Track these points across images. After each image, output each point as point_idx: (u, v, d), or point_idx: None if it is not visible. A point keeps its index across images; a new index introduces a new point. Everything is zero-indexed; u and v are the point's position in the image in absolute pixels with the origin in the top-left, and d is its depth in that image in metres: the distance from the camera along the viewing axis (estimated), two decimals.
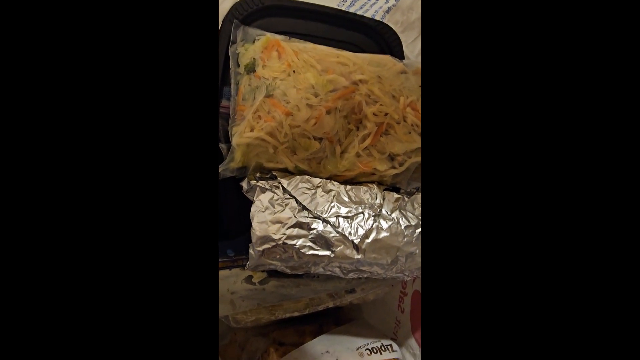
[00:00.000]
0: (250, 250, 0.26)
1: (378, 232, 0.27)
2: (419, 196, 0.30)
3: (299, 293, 0.34)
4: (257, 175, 0.29)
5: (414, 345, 0.37)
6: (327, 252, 0.26)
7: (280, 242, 0.25)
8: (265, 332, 0.37)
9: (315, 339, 0.34)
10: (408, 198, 0.29)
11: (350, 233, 0.26)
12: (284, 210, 0.27)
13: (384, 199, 0.28)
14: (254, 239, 0.26)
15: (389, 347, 0.35)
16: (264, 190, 0.28)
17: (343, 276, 0.29)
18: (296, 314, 0.33)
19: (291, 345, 0.34)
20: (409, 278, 0.30)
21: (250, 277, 0.32)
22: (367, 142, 0.30)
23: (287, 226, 0.26)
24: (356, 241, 0.26)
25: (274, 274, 0.33)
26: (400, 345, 0.39)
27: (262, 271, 0.32)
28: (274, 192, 0.28)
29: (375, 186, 0.30)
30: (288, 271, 0.29)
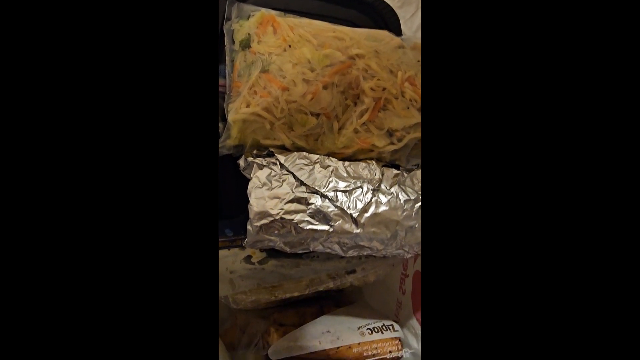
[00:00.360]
0: (248, 226, 0.25)
1: (377, 206, 0.26)
2: (418, 172, 0.30)
3: (299, 273, 0.34)
4: (254, 152, 0.29)
5: (416, 325, 0.37)
6: (326, 227, 0.26)
7: (278, 217, 0.25)
8: (265, 314, 0.37)
9: (316, 319, 0.34)
10: (407, 174, 0.29)
11: (348, 207, 0.26)
12: (281, 186, 0.26)
13: (382, 175, 0.28)
14: (251, 215, 0.25)
15: (390, 327, 0.35)
16: (261, 167, 0.27)
17: (342, 254, 0.29)
18: (296, 294, 0.33)
19: (292, 326, 0.34)
20: (410, 255, 0.30)
21: (250, 256, 0.32)
22: (365, 117, 0.29)
23: (284, 201, 0.25)
24: (355, 215, 0.25)
25: (273, 254, 0.33)
26: (402, 326, 0.38)
27: (261, 250, 0.32)
28: (271, 169, 0.27)
29: (374, 162, 0.29)
30: (287, 249, 0.28)
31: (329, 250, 0.29)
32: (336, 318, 0.35)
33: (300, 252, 0.29)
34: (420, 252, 0.30)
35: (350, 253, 0.29)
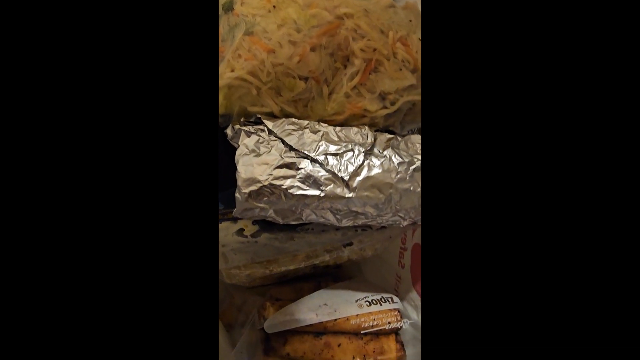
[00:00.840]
0: (237, 194, 0.25)
1: (369, 169, 0.25)
2: (413, 136, 0.29)
3: (294, 246, 0.33)
4: (242, 120, 0.28)
5: (415, 297, 0.36)
6: (317, 192, 0.25)
7: (267, 183, 0.24)
8: (262, 291, 0.37)
9: (312, 293, 0.33)
10: (401, 138, 0.28)
11: (339, 170, 0.25)
12: (270, 152, 0.25)
13: (375, 139, 0.27)
14: (239, 182, 0.25)
15: (389, 299, 0.34)
16: (248, 134, 0.26)
17: (337, 223, 0.28)
18: (292, 267, 0.32)
19: (288, 301, 0.33)
20: (407, 222, 0.29)
21: (242, 229, 0.31)
22: (356, 80, 0.28)
23: (273, 167, 0.24)
24: (346, 178, 0.24)
25: (266, 226, 0.32)
26: (401, 299, 0.38)
27: (253, 223, 0.32)
28: (260, 135, 0.26)
29: (366, 127, 0.28)
30: (279, 220, 0.27)
31: (322, 220, 0.28)
32: (333, 292, 0.34)
33: (293, 223, 0.29)
34: (417, 219, 0.29)
35: (345, 222, 0.28)
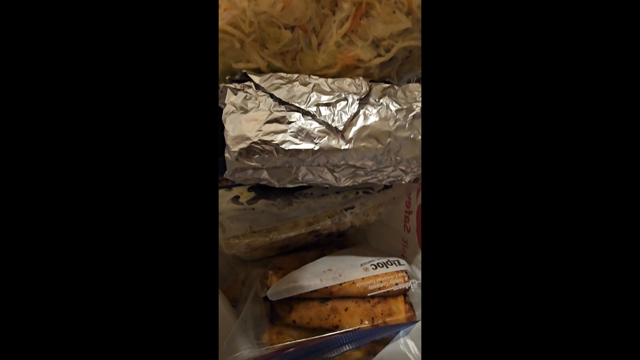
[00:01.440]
0: (226, 154, 0.23)
1: (365, 118, 0.24)
2: (411, 85, 0.27)
3: (293, 212, 0.32)
4: (227, 78, 0.26)
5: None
6: (310, 145, 0.23)
7: (257, 139, 0.23)
8: (265, 264, 0.36)
9: (316, 260, 0.32)
10: (398, 87, 0.26)
11: (333, 120, 0.23)
12: (258, 107, 0.24)
13: (370, 89, 0.25)
14: (228, 141, 0.23)
15: (395, 262, 0.33)
16: (235, 92, 0.25)
17: (336, 183, 0.27)
18: (292, 234, 0.31)
19: (291, 270, 0.32)
20: (409, 178, 0.27)
21: (237, 197, 0.30)
22: (346, 26, 0.26)
23: (263, 122, 0.23)
24: (340, 128, 0.23)
25: (262, 193, 0.31)
26: (409, 263, 0.37)
27: (249, 190, 0.30)
28: (246, 92, 0.25)
29: (360, 78, 0.26)
30: (275, 183, 0.26)
31: (320, 181, 0.27)
32: (338, 257, 0.33)
33: (290, 186, 0.27)
34: (420, 173, 0.28)
35: (344, 181, 0.27)
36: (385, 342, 0.26)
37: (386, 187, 0.33)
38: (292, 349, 0.25)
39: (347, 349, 0.26)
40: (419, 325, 0.25)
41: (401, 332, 0.26)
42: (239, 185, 0.30)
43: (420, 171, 0.27)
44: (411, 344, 0.24)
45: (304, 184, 0.27)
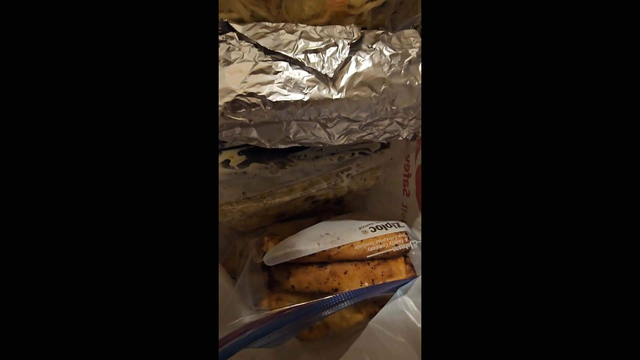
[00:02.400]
0: None
1: (358, 64, 0.22)
2: (406, 31, 0.25)
3: (287, 176, 0.31)
4: None
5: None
6: (300, 96, 0.22)
7: (243, 92, 0.21)
8: (261, 232, 0.35)
9: (313, 225, 0.32)
10: (392, 33, 0.24)
11: (323, 67, 0.22)
12: (242, 57, 0.22)
13: (362, 36, 0.24)
14: None
15: (394, 224, 0.32)
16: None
17: (329, 140, 0.25)
18: (287, 198, 0.30)
19: (288, 236, 0.31)
20: (407, 133, 0.26)
21: (227, 161, 0.29)
22: None
23: (248, 73, 0.21)
24: (331, 75, 0.21)
25: (253, 156, 0.29)
26: (409, 227, 0.36)
27: (240, 154, 0.29)
28: (229, 43, 0.23)
29: (352, 25, 0.25)
30: (266, 143, 0.25)
31: (313, 139, 0.25)
32: (335, 222, 0.32)
33: (281, 146, 0.26)
34: (417, 128, 0.27)
35: (338, 138, 0.25)
36: (384, 302, 0.26)
37: (383, 146, 0.32)
38: (290, 311, 0.25)
39: (345, 305, 0.25)
40: (417, 282, 0.25)
41: (399, 292, 0.25)
42: (229, 148, 0.29)
43: (418, 124, 0.25)
44: (409, 301, 0.23)
45: (297, 145, 0.26)
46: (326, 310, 0.25)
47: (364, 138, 0.26)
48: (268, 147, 0.26)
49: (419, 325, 0.22)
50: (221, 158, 0.29)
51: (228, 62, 0.22)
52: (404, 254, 0.31)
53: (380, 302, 0.29)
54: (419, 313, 0.22)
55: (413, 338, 0.21)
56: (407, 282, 0.25)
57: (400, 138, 0.27)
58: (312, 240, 0.30)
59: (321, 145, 0.27)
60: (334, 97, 0.22)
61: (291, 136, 0.25)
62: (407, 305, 0.23)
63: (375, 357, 0.22)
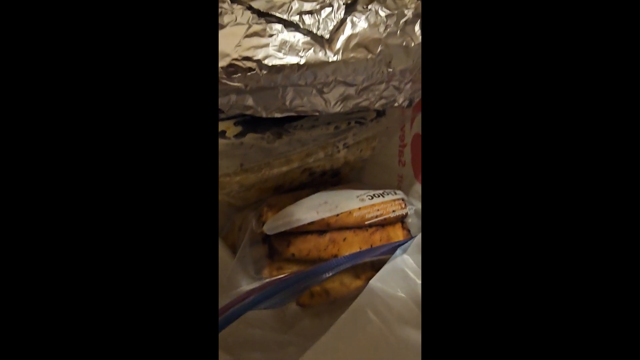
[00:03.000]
0: None
1: (353, 25, 0.22)
2: None
3: (284, 147, 0.31)
4: None
5: (418, 188, 0.35)
6: (296, 59, 0.21)
7: (237, 55, 0.21)
8: (259, 205, 0.36)
9: (311, 195, 0.32)
10: None
11: (318, 28, 0.21)
12: (235, 21, 0.22)
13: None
14: None
15: (391, 192, 0.33)
16: None
17: (326, 108, 0.25)
18: (285, 169, 0.30)
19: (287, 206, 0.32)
20: (403, 98, 0.26)
21: (224, 132, 0.28)
22: None
23: (241, 37, 0.21)
24: (327, 36, 0.21)
25: (249, 126, 0.29)
26: (406, 194, 0.37)
27: (236, 125, 0.29)
28: (221, 7, 0.22)
29: None
30: (262, 112, 0.25)
31: (309, 106, 0.25)
32: (333, 192, 0.33)
33: (277, 115, 0.26)
34: (414, 93, 0.27)
35: (334, 105, 0.25)
36: (383, 266, 0.26)
37: (379, 115, 0.32)
38: (291, 276, 0.25)
39: (345, 267, 0.26)
40: (416, 241, 0.25)
41: (398, 251, 0.26)
42: (226, 119, 0.28)
43: (414, 87, 0.25)
44: (409, 259, 0.24)
45: (293, 114, 0.26)
46: (326, 273, 0.25)
47: (360, 105, 0.27)
48: (264, 115, 0.25)
49: (419, 281, 0.23)
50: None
51: (221, 26, 0.22)
52: (402, 219, 0.31)
53: (379, 267, 0.30)
54: (419, 270, 0.23)
55: (413, 293, 0.22)
56: (406, 243, 0.26)
57: (397, 104, 0.27)
58: (311, 208, 0.30)
59: (317, 114, 0.27)
60: (330, 59, 0.22)
61: (287, 103, 0.25)
62: (407, 264, 0.23)
63: (376, 312, 0.22)
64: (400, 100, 0.27)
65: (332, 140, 0.32)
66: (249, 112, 0.25)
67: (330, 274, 0.26)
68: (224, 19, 0.22)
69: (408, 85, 0.25)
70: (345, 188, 0.35)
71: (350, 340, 0.24)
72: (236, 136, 0.28)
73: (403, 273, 0.23)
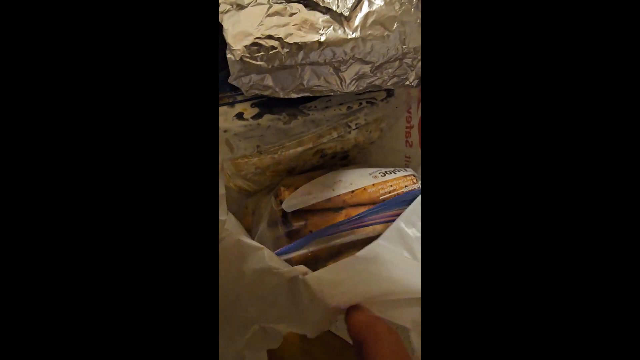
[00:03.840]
0: (228, 55, 0.22)
1: (370, 3, 0.23)
2: None
3: (299, 127, 0.32)
4: None
5: None
6: (316, 37, 0.22)
7: (260, 34, 0.22)
8: (271, 189, 0.36)
9: (325, 174, 0.33)
10: None
11: (338, 6, 0.22)
12: (256, 1, 0.23)
13: None
14: (228, 39, 0.22)
15: (402, 169, 0.34)
16: None
17: (340, 86, 0.26)
18: (300, 149, 0.31)
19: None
20: (413, 77, 0.27)
21: (241, 113, 0.29)
22: None
23: (263, 16, 0.22)
24: (346, 13, 0.22)
25: (266, 108, 0.30)
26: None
27: (252, 106, 0.30)
28: None
29: None
30: (279, 92, 0.26)
31: (325, 86, 0.26)
32: (346, 170, 0.34)
33: (294, 95, 0.27)
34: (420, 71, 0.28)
35: (349, 84, 0.26)
36: None
37: (388, 95, 0.33)
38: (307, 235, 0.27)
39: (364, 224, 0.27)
40: (417, 210, 0.27)
41: (400, 221, 0.27)
42: (242, 101, 0.29)
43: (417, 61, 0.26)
44: (411, 229, 0.25)
45: (308, 94, 0.27)
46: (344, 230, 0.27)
47: (373, 83, 0.28)
48: (282, 96, 0.26)
49: (419, 237, 0.24)
50: (234, 111, 0.29)
51: (241, 7, 0.23)
52: (413, 194, 0.33)
53: None
54: (419, 234, 0.25)
55: (415, 252, 0.24)
56: (413, 192, 0.28)
57: (407, 82, 0.28)
58: (327, 186, 0.31)
59: (332, 94, 0.28)
60: (349, 36, 0.23)
61: (304, 83, 0.26)
62: (407, 229, 0.25)
63: (377, 266, 0.24)
64: (411, 79, 0.28)
65: (345, 121, 0.33)
66: (266, 93, 0.26)
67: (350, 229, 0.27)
68: (245, 1, 0.23)
69: (419, 63, 0.26)
70: (357, 167, 0.36)
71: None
72: (254, 117, 0.29)
73: (405, 236, 0.25)
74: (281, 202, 0.31)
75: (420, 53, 0.25)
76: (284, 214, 0.32)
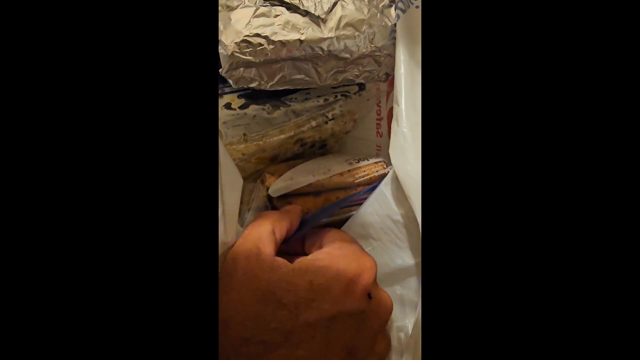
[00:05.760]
0: (221, 50, 0.25)
1: (343, 8, 0.27)
2: None
3: (281, 117, 0.35)
4: None
5: None
6: (297, 35, 0.26)
7: (249, 32, 0.25)
8: (256, 177, 0.39)
9: (305, 162, 0.36)
10: None
11: (315, 9, 0.26)
12: (244, 4, 0.26)
13: None
14: (221, 37, 0.25)
15: (373, 157, 0.38)
16: None
17: (318, 80, 0.30)
18: (283, 136, 0.34)
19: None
20: (382, 71, 0.31)
21: (229, 103, 0.32)
22: None
23: (251, 17, 0.25)
24: (323, 16, 0.26)
25: (252, 99, 0.33)
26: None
27: (239, 97, 0.33)
28: None
29: None
30: (265, 83, 0.29)
31: (305, 79, 0.30)
32: (324, 158, 0.37)
33: (277, 87, 0.30)
34: (389, 63, 0.32)
35: (325, 78, 0.30)
36: None
37: (360, 89, 0.37)
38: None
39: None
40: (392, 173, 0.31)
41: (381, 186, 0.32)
42: (229, 93, 0.32)
43: (392, 61, 0.30)
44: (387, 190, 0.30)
45: (290, 86, 0.30)
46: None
47: (347, 78, 0.31)
48: (267, 88, 0.29)
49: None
50: (223, 101, 0.32)
51: (231, 8, 0.25)
52: (383, 177, 0.37)
53: None
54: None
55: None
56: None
57: (377, 77, 0.32)
58: (308, 172, 0.34)
59: (311, 87, 0.31)
60: (326, 35, 0.26)
61: (287, 76, 0.29)
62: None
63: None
64: (380, 73, 0.32)
65: (322, 112, 0.36)
66: (253, 85, 0.29)
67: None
68: (233, 2, 0.26)
69: (386, 60, 0.30)
70: (334, 156, 0.40)
71: None
72: (240, 107, 0.32)
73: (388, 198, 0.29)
74: (267, 188, 0.34)
75: (385, 51, 0.29)
76: (269, 198, 0.35)
